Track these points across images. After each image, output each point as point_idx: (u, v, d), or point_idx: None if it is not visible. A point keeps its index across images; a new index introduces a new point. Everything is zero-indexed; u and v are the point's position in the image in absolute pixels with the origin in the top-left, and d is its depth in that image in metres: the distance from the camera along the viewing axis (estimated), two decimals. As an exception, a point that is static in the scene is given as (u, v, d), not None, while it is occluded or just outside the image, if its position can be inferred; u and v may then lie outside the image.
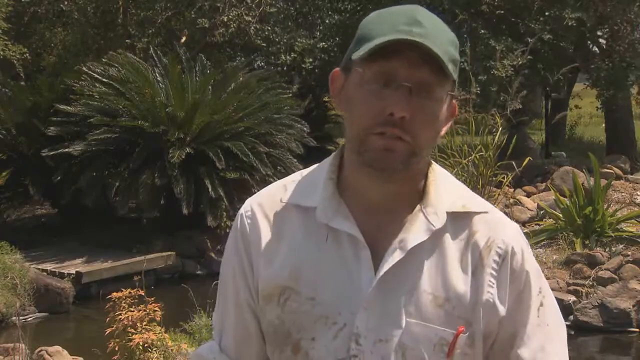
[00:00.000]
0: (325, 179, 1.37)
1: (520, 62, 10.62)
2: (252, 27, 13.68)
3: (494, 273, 1.32)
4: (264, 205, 1.41)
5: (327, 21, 14.23)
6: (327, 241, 1.33)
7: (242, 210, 1.43)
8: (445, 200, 1.34)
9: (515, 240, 1.36)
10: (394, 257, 1.30)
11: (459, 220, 1.35)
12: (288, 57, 13.12)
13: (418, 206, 1.33)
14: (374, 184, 1.32)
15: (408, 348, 1.29)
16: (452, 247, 1.33)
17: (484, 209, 1.37)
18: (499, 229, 1.36)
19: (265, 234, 1.38)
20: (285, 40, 13.33)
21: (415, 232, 1.31)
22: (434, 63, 1.24)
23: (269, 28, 13.91)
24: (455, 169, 7.69)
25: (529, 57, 10.21)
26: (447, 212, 1.33)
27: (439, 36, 1.26)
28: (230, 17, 13.48)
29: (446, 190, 1.36)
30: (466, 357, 1.31)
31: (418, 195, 1.35)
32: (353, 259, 1.32)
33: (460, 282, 1.31)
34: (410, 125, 1.25)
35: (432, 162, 1.39)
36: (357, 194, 1.34)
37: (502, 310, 1.32)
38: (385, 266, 1.30)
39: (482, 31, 12.02)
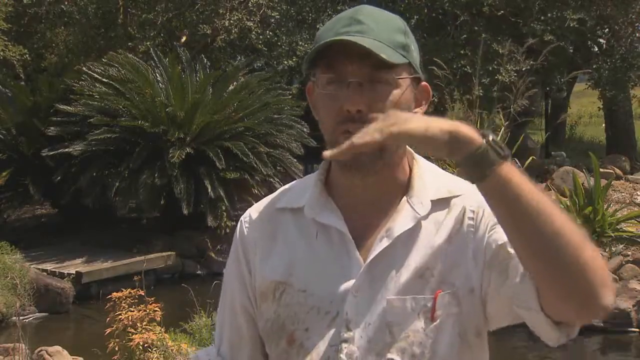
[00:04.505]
0: (315, 180, 1.45)
1: (524, 68, 10.64)
2: (254, 32, 13.69)
3: (471, 229, 1.36)
4: (261, 211, 1.50)
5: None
6: (317, 237, 1.40)
7: (242, 217, 1.53)
8: (430, 189, 1.40)
9: None
10: (380, 245, 1.36)
11: (442, 204, 1.40)
12: (290, 61, 13.13)
13: (404, 198, 1.39)
14: (355, 181, 1.38)
15: (394, 324, 1.34)
16: (432, 224, 1.38)
17: (466, 191, 1.40)
18: (472, 196, 1.37)
19: (262, 237, 1.47)
20: (286, 45, 13.31)
21: (401, 221, 1.37)
22: (374, 54, 1.29)
23: (270, 32, 13.91)
24: (457, 169, 7.70)
25: (531, 62, 10.21)
26: (432, 200, 1.39)
27: (379, 28, 1.33)
28: (231, 21, 13.49)
29: (431, 180, 1.42)
30: (454, 317, 1.34)
31: (403, 188, 1.41)
32: (343, 251, 1.38)
33: (438, 249, 1.36)
34: (369, 117, 1.30)
35: (416, 155, 1.44)
36: (345, 192, 1.41)
37: (483, 256, 1.34)
38: (372, 254, 1.36)
39: (484, 35, 12.01)
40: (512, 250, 1.28)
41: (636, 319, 7.60)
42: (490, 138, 1.18)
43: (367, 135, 1.17)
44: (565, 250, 1.15)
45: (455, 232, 1.37)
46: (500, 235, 1.31)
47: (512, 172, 1.17)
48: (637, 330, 7.60)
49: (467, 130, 1.18)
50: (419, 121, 1.18)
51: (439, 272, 1.35)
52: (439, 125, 1.17)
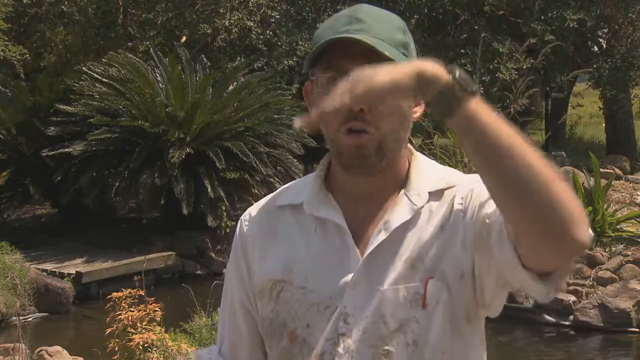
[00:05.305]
0: (315, 176, 1.45)
1: (524, 66, 10.65)
2: (254, 32, 13.69)
3: (461, 214, 1.36)
4: (261, 209, 1.51)
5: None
6: (315, 232, 1.40)
7: (242, 216, 1.53)
8: (427, 181, 1.40)
9: (478, 182, 1.35)
10: (378, 238, 1.36)
11: (437, 195, 1.40)
12: (290, 61, 13.12)
13: (402, 190, 1.40)
14: (357, 180, 1.39)
15: (387, 314, 1.34)
16: (426, 215, 1.39)
17: (461, 182, 1.40)
18: (466, 184, 1.38)
19: (261, 235, 1.47)
20: (286, 45, 13.30)
21: (398, 213, 1.38)
22: (376, 52, 1.29)
23: (270, 32, 13.90)
24: (457, 168, 7.69)
25: (532, 61, 10.21)
26: (430, 192, 1.39)
27: (379, 26, 1.33)
28: (231, 21, 13.49)
29: (428, 173, 1.42)
30: (445, 304, 1.34)
31: (402, 182, 1.42)
32: (341, 246, 1.38)
33: (430, 238, 1.36)
34: (371, 115, 1.31)
35: (415, 151, 1.45)
36: (345, 188, 1.42)
37: (471, 238, 1.33)
38: (370, 247, 1.36)
39: (484, 34, 12.01)
40: (489, 221, 1.28)
41: (636, 319, 7.60)
42: (457, 74, 1.15)
43: (336, 99, 1.14)
44: (537, 185, 1.13)
45: (446, 219, 1.36)
46: (484, 212, 1.30)
47: (480, 107, 1.15)
48: (637, 330, 7.59)
49: (432, 68, 1.15)
50: (383, 74, 1.14)
51: (430, 259, 1.35)
52: (404, 71, 1.14)
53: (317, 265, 1.38)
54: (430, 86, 1.15)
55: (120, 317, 4.94)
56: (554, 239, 1.15)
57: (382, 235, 1.36)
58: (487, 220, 1.29)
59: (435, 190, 1.39)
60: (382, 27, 1.34)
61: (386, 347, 1.34)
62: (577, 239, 1.14)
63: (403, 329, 1.34)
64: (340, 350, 1.34)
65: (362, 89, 1.13)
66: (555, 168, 1.16)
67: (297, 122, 1.18)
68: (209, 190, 10.01)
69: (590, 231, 1.19)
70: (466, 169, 7.81)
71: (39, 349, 6.22)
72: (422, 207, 1.38)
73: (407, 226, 1.37)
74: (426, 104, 1.18)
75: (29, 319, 8.73)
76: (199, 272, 10.65)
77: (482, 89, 10.31)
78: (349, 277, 1.36)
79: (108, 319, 5.03)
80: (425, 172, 1.42)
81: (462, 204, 1.36)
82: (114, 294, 5.11)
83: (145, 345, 4.85)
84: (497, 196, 1.19)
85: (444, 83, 1.14)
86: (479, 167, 1.19)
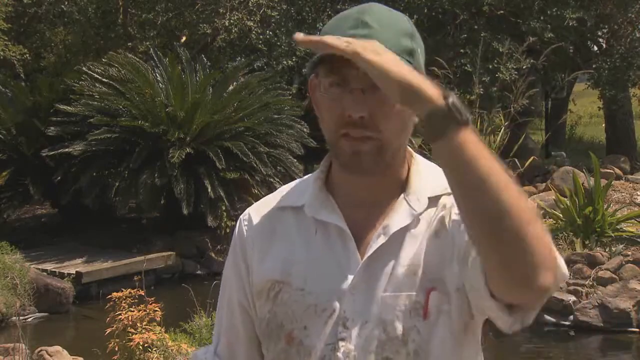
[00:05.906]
0: (315, 178, 1.45)
1: (524, 66, 10.65)
2: (254, 32, 13.69)
3: (457, 225, 1.33)
4: (260, 209, 1.50)
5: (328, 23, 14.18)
6: (316, 235, 1.40)
7: (241, 216, 1.52)
8: (428, 186, 1.40)
9: None
10: (377, 242, 1.36)
11: (436, 201, 1.40)
12: (290, 61, 13.12)
13: (402, 195, 1.39)
14: (356, 181, 1.38)
15: (387, 322, 1.33)
16: (425, 221, 1.38)
17: None
18: None
19: (260, 234, 1.46)
20: (286, 45, 13.30)
21: (398, 218, 1.37)
22: None
23: (270, 32, 13.91)
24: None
25: (532, 61, 10.21)
26: (429, 197, 1.39)
27: (386, 32, 1.31)
28: (231, 21, 13.50)
29: (429, 177, 1.41)
30: (446, 315, 1.33)
31: (402, 186, 1.41)
32: (341, 249, 1.38)
33: (428, 245, 1.36)
34: (371, 122, 1.31)
35: (415, 154, 1.44)
36: (345, 190, 1.41)
37: (463, 252, 1.31)
38: (369, 251, 1.36)
39: (484, 34, 12.02)
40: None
41: (636, 319, 7.60)
42: (451, 100, 1.13)
43: (343, 42, 1.16)
44: (509, 224, 1.12)
45: (443, 227, 1.36)
46: None
47: (467, 140, 1.13)
48: (637, 330, 7.60)
49: (426, 87, 1.14)
50: (388, 59, 1.16)
51: (429, 268, 1.34)
52: (404, 71, 1.15)
53: (317, 268, 1.38)
54: (418, 103, 1.14)
55: (120, 317, 4.94)
56: (516, 277, 1.16)
57: (382, 240, 1.36)
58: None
59: (434, 196, 1.39)
60: (389, 33, 1.31)
61: (386, 355, 1.33)
62: (539, 283, 1.14)
63: (404, 338, 1.33)
64: (340, 355, 1.34)
65: (362, 55, 1.15)
66: (535, 211, 1.15)
67: (300, 36, 1.19)
68: (209, 190, 10.02)
69: (564, 271, 1.19)
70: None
71: (39, 349, 6.22)
72: (422, 213, 1.37)
73: (406, 231, 1.36)
74: (419, 124, 1.17)
75: (29, 319, 8.73)
76: (199, 272, 10.66)
77: (482, 89, 10.30)
78: (349, 280, 1.35)
79: (108, 319, 5.04)
80: (426, 176, 1.41)
81: (458, 214, 1.33)
82: (114, 294, 5.12)
83: (145, 345, 4.85)
84: (469, 224, 1.19)
85: (433, 107, 1.13)
86: (454, 193, 1.19)
